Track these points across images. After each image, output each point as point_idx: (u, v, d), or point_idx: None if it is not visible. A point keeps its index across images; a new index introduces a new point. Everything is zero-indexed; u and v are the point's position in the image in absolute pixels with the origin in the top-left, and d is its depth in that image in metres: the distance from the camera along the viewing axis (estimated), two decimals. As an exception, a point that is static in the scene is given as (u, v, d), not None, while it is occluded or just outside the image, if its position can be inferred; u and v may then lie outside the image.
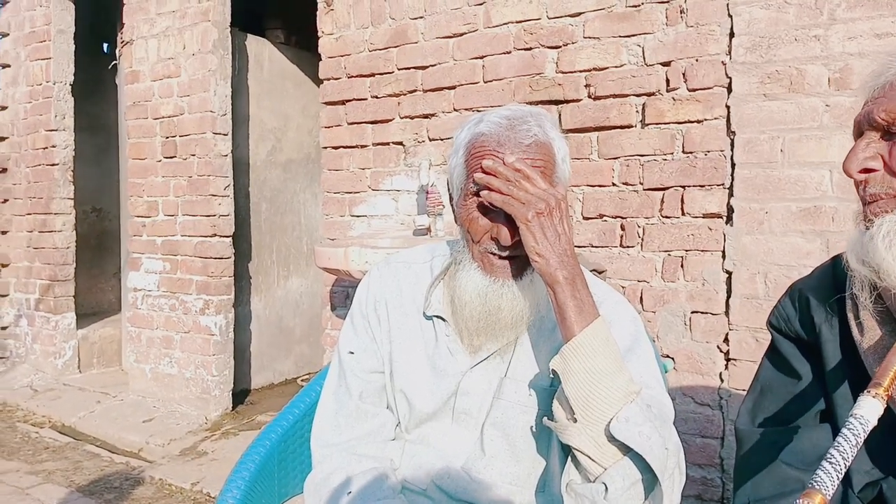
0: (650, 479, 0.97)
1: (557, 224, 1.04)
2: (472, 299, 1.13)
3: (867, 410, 0.75)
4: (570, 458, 1.03)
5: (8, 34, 4.81)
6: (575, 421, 1.00)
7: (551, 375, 1.07)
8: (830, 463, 0.72)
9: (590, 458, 0.98)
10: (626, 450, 0.97)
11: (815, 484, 0.70)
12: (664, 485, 0.96)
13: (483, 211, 1.10)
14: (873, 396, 0.76)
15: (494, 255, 1.12)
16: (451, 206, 1.20)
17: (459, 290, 1.15)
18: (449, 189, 1.20)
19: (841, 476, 0.71)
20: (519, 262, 1.11)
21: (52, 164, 4.53)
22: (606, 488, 0.96)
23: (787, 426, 0.97)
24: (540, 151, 1.09)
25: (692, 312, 2.39)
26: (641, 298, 2.47)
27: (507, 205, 1.04)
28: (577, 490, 1.00)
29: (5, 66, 4.85)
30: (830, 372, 0.93)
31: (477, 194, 1.10)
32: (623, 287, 2.50)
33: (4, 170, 4.89)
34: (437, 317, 1.22)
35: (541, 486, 1.18)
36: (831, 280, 0.97)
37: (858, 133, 0.91)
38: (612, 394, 0.98)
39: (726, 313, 2.33)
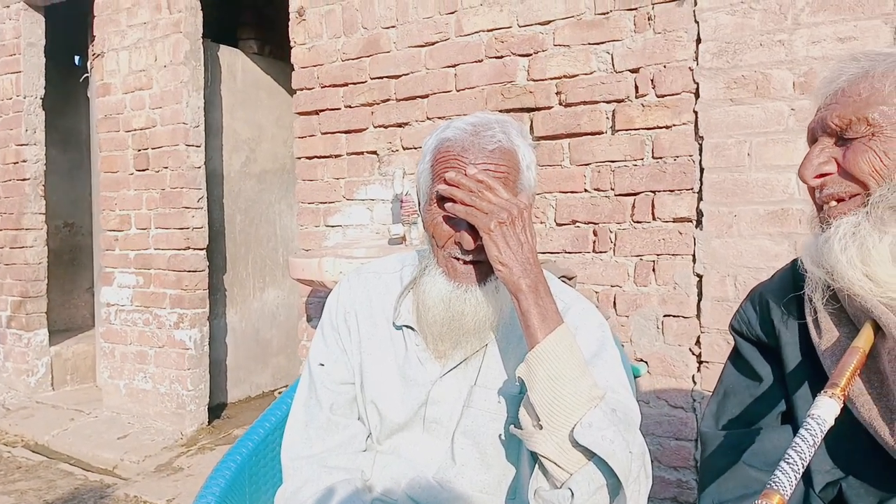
0: (615, 484, 0.97)
1: (520, 233, 1.05)
2: (436, 304, 1.14)
3: (824, 410, 0.76)
4: (537, 465, 1.03)
5: (-24, 48, 4.75)
6: (541, 428, 1.00)
7: (517, 383, 1.07)
8: (788, 463, 0.73)
9: (555, 464, 0.99)
10: (591, 455, 0.97)
11: (773, 485, 0.71)
12: (628, 489, 0.96)
13: (447, 216, 1.11)
14: (830, 396, 0.77)
15: (459, 259, 1.13)
16: (419, 210, 1.20)
17: (423, 296, 1.16)
18: (418, 194, 1.20)
19: (799, 476, 0.72)
20: (483, 267, 1.12)
21: (23, 179, 4.46)
22: (573, 494, 0.96)
23: (750, 428, 0.98)
24: (504, 157, 1.10)
25: (664, 316, 2.41)
26: (615, 303, 2.49)
27: (469, 216, 1.05)
28: (545, 496, 1.00)
29: (-27, 80, 4.78)
30: (790, 374, 0.94)
31: (441, 200, 1.10)
32: (596, 292, 2.51)
33: (-26, 185, 4.82)
34: (407, 326, 1.22)
35: (511, 493, 1.18)
36: (791, 283, 0.99)
37: (812, 139, 0.92)
38: (575, 399, 0.99)
39: (698, 316, 2.35)
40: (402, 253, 1.37)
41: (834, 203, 0.88)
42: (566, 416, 0.98)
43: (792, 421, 0.94)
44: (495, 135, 1.10)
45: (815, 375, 0.90)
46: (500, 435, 1.16)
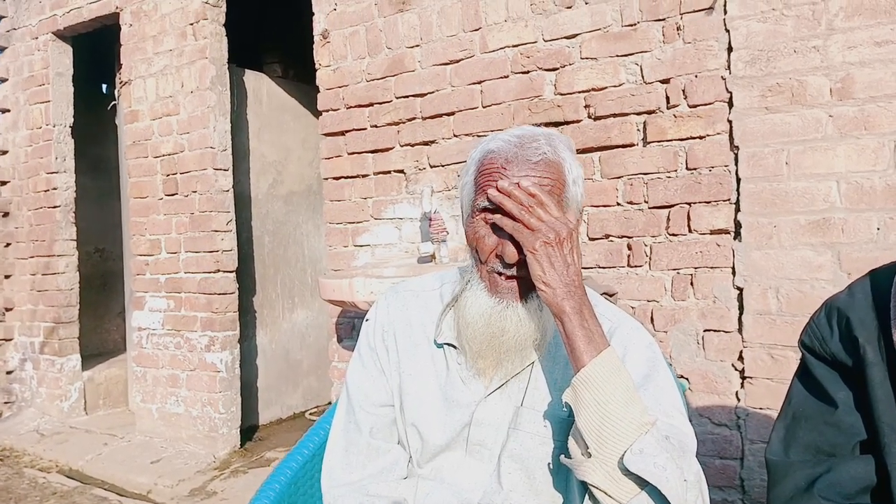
0: None
1: (567, 254, 1.02)
2: (476, 320, 1.11)
3: None
4: (587, 496, 0.99)
5: (7, 79, 4.84)
6: (589, 456, 0.96)
7: (565, 408, 1.04)
8: None
9: (606, 493, 0.95)
10: (644, 484, 0.93)
11: None
12: None
13: (490, 228, 1.09)
14: None
15: (501, 275, 1.10)
16: (463, 226, 1.18)
17: (464, 311, 1.13)
18: (461, 209, 1.18)
19: None
20: (526, 283, 1.08)
21: (54, 207, 4.52)
22: None
23: (824, 457, 0.92)
24: (548, 170, 1.07)
25: (704, 331, 2.35)
26: (652, 318, 2.43)
27: (516, 232, 1.03)
28: None
29: (5, 110, 4.87)
30: (876, 397, 0.87)
31: (484, 211, 1.08)
32: (633, 307, 2.46)
33: (6, 214, 4.89)
34: (449, 345, 1.19)
35: None
36: (871, 299, 0.93)
37: None
38: (625, 425, 0.95)
39: (739, 330, 2.29)
40: (440, 271, 1.34)
41: None
42: (615, 442, 0.95)
43: (875, 450, 0.88)
44: (540, 146, 1.07)
45: None
46: (549, 459, 1.12)
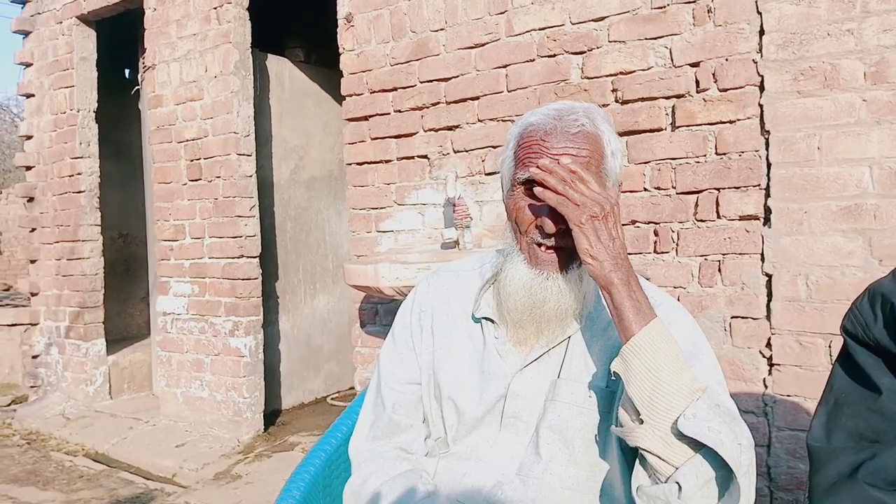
0: (724, 476, 0.94)
1: (612, 228, 1.03)
2: (517, 291, 1.13)
3: None
4: (637, 461, 1.01)
5: (31, 64, 4.88)
6: (641, 422, 0.98)
7: (613, 378, 1.05)
8: None
9: (659, 457, 0.96)
10: (697, 447, 0.95)
11: None
12: (741, 480, 0.93)
13: (530, 198, 1.10)
14: None
15: (540, 245, 1.11)
16: (503, 200, 1.20)
17: (505, 282, 1.15)
18: (501, 183, 1.20)
19: None
20: (565, 254, 1.10)
21: (79, 192, 4.56)
22: (680, 488, 0.94)
23: (867, 443, 0.91)
24: (587, 141, 1.08)
25: (732, 317, 2.33)
26: (679, 305, 2.41)
27: (561, 205, 1.03)
28: (649, 492, 0.98)
29: (29, 95, 4.91)
30: None
31: (524, 183, 1.10)
32: (659, 294, 2.44)
33: (31, 199, 4.94)
34: (487, 319, 1.21)
35: (599, 490, 1.14)
36: None
37: None
38: (676, 391, 0.96)
39: (768, 317, 2.27)
40: (481, 253, 1.36)
41: None
42: (668, 408, 0.96)
43: None
44: (579, 119, 1.09)
45: None
46: (588, 429, 1.13)
